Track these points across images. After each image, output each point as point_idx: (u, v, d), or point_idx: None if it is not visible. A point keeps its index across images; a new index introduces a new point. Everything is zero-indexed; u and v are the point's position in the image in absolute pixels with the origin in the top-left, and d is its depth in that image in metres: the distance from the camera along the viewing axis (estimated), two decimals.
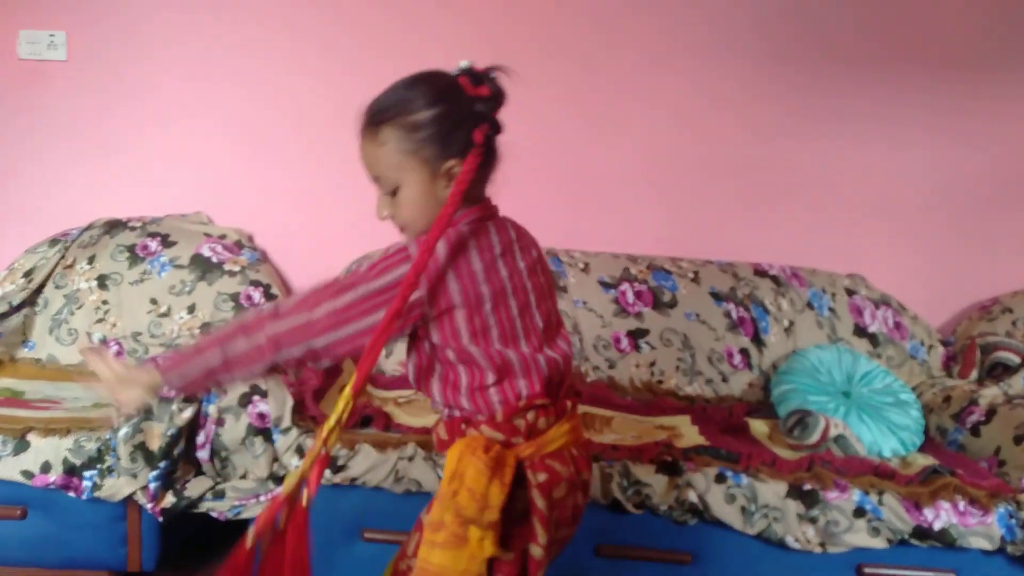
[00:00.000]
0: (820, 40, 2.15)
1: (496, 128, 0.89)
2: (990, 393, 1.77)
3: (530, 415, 0.90)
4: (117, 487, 1.47)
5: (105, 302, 2.05)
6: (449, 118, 0.87)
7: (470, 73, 0.88)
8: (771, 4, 2.14)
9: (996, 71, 2.14)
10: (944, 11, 2.13)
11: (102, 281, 2.06)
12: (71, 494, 1.49)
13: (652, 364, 2.00)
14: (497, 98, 0.89)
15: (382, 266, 0.87)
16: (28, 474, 1.47)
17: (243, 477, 1.50)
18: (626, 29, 2.16)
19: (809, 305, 2.08)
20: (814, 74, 2.16)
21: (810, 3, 2.13)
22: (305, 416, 1.52)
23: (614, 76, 2.17)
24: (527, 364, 0.91)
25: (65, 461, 1.47)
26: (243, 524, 1.57)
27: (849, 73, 2.15)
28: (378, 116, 0.87)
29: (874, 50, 2.15)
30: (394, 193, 0.89)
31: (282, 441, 1.48)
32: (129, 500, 1.50)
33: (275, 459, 1.49)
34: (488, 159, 0.90)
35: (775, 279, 2.11)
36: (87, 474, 1.48)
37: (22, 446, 1.48)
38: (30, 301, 2.05)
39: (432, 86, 0.88)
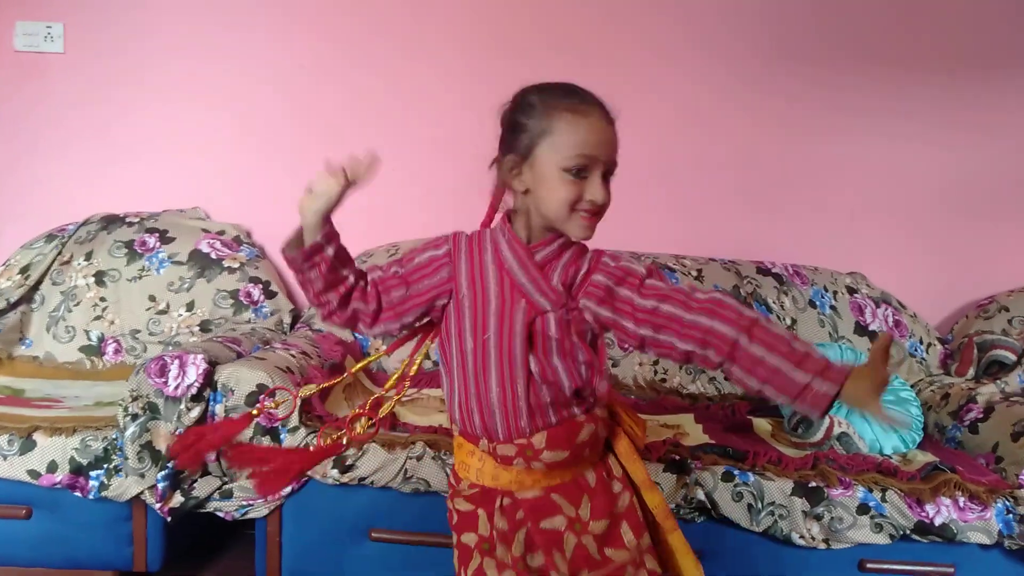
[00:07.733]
0: (823, 38, 2.17)
1: None
2: (987, 391, 1.79)
3: None
4: (124, 487, 1.46)
5: (103, 299, 2.03)
6: None
7: None
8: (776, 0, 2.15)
9: (998, 69, 2.16)
10: (949, 9, 2.15)
11: (100, 278, 2.04)
12: (77, 493, 1.48)
13: (655, 362, 2.01)
14: None
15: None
16: (34, 473, 1.46)
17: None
18: (633, 24, 2.17)
19: (811, 303, 2.10)
20: (817, 71, 2.17)
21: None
22: (312, 416, 1.52)
23: (619, 71, 2.17)
24: None
25: (72, 460, 1.46)
26: (249, 523, 1.57)
27: (851, 70, 2.17)
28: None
29: (877, 47, 2.17)
30: (606, 179, 0.93)
31: (289, 440, 1.48)
32: (136, 500, 1.49)
33: None
34: None
35: (778, 277, 2.12)
36: (94, 473, 1.47)
37: (28, 445, 1.46)
38: (27, 298, 2.03)
39: None
